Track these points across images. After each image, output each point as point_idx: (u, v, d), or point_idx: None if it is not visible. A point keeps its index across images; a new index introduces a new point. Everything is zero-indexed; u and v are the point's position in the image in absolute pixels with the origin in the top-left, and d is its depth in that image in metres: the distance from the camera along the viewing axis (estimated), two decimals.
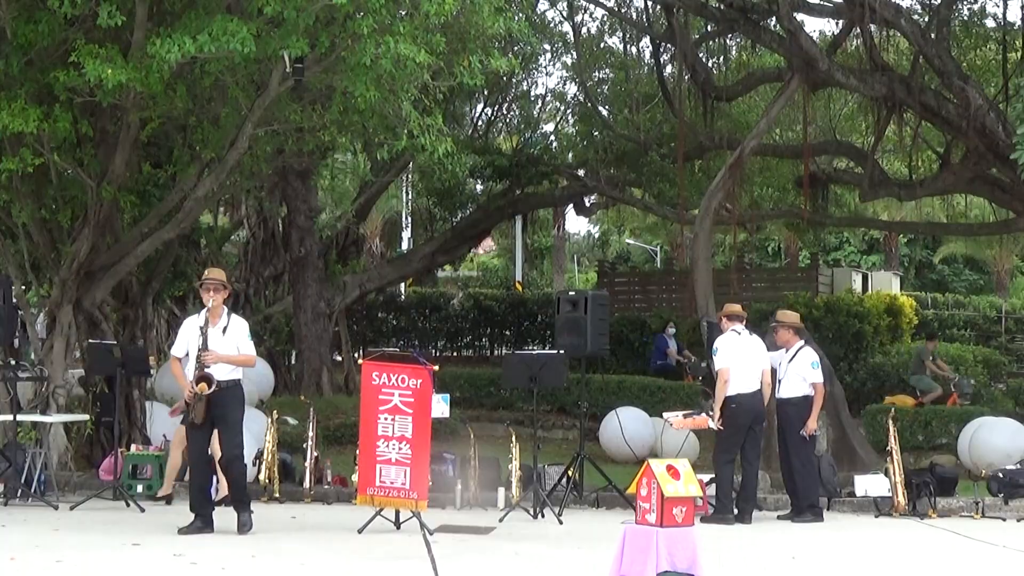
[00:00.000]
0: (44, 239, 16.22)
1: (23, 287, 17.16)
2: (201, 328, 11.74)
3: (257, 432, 15.55)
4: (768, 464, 16.00)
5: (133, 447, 15.32)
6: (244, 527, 11.64)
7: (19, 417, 14.39)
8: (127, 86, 13.12)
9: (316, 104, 15.10)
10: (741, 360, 13.75)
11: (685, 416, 15.01)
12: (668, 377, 23.37)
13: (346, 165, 30.43)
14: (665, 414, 15.54)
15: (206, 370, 11.56)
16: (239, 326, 11.94)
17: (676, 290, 29.64)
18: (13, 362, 15.15)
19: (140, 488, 14.58)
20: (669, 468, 9.04)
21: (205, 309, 11.87)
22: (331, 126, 15.29)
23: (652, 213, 29.53)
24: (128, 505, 13.54)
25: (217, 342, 11.73)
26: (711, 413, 14.05)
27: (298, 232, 23.54)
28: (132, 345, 16.71)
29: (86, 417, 14.98)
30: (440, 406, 13.68)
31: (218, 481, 12.79)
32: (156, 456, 14.98)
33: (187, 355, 11.85)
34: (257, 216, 26.27)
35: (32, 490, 13.90)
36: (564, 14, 26.84)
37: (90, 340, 14.55)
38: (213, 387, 11.52)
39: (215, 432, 11.90)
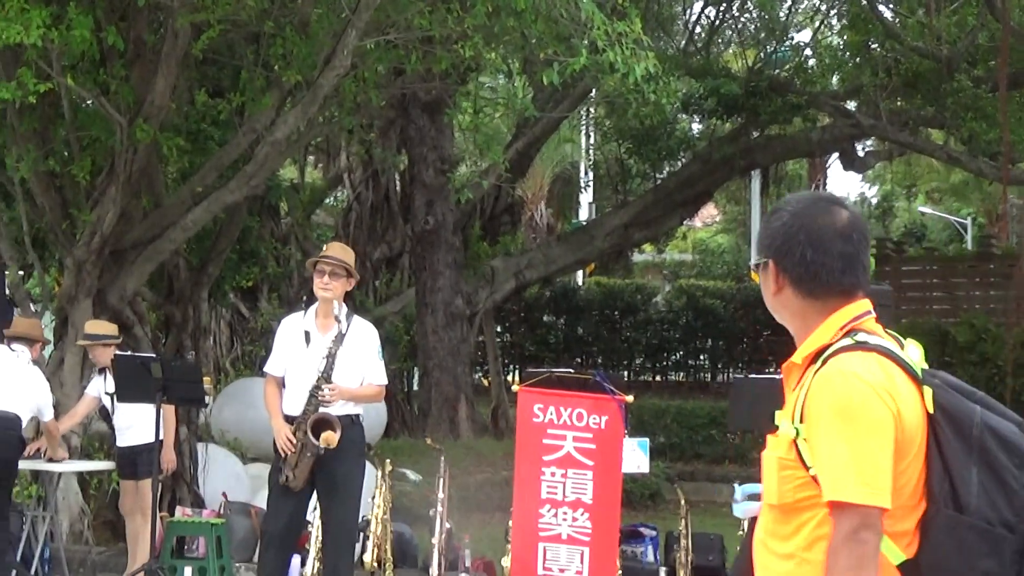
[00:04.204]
0: (52, 202, 16.41)
1: (20, 272, 17.43)
2: (306, 333, 11.21)
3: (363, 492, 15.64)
4: None
5: (179, 511, 15.47)
6: None
7: None
8: None
9: (452, 3, 15.08)
10: None
11: None
12: None
13: (496, 94, 30.52)
14: None
15: (324, 410, 10.93)
16: (365, 337, 11.32)
17: (996, 284, 29.21)
18: None
19: (188, 571, 14.73)
20: None
21: (313, 306, 11.43)
22: (474, 35, 15.25)
23: (960, 167, 29.08)
24: None
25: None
26: None
27: (424, 194, 23.70)
28: (178, 359, 16.87)
29: (111, 465, 15.04)
30: (636, 456, 13.59)
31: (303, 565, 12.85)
32: (212, 524, 15.01)
33: (285, 375, 11.30)
34: (364, 170, 26.51)
35: (32, 571, 14.14)
36: None
37: (117, 350, 14.68)
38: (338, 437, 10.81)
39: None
